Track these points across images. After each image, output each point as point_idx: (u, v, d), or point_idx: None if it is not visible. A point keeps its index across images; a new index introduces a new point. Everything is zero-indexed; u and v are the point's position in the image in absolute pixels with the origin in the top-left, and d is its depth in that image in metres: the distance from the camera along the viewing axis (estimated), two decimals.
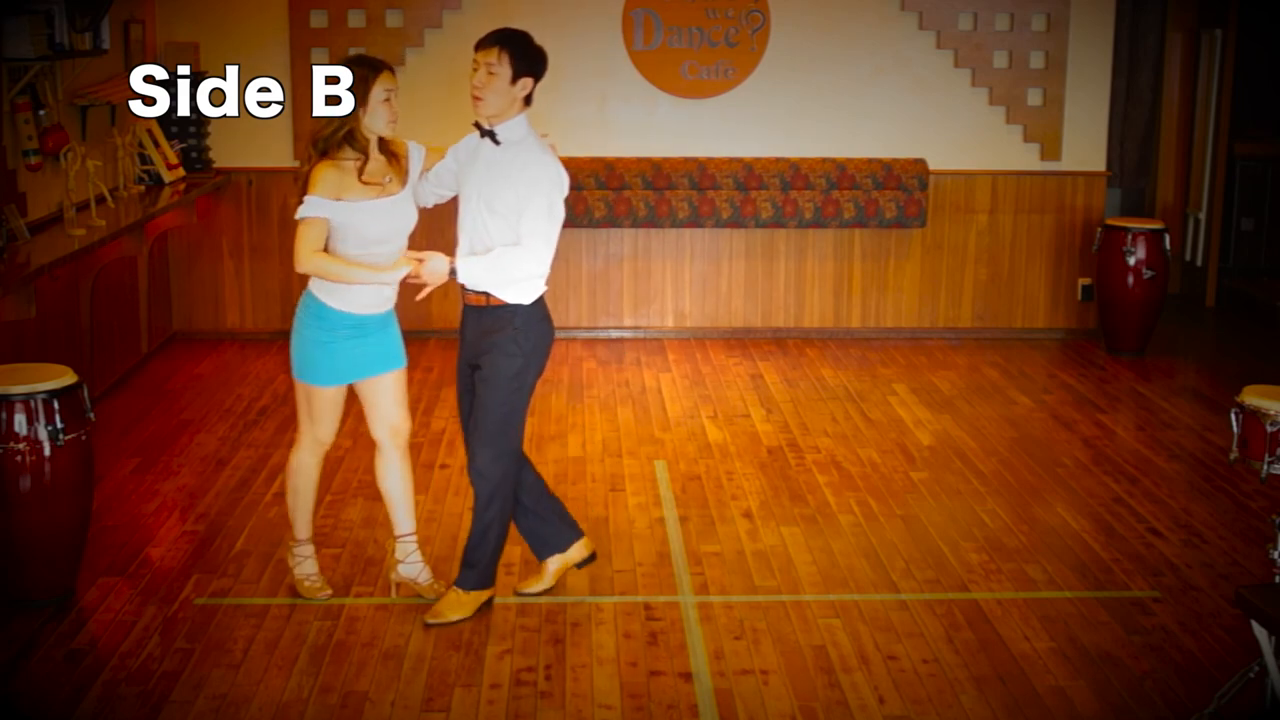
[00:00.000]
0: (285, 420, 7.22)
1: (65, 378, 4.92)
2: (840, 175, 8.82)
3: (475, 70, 4.77)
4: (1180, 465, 6.69)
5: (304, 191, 4.64)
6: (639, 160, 8.73)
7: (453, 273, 4.68)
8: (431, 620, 4.83)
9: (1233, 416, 4.64)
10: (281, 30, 8.73)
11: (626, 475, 6.40)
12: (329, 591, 5.07)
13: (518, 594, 5.05)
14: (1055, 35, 9.00)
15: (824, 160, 8.82)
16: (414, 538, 5.07)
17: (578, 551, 5.10)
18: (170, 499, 6.08)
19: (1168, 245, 8.78)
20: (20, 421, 4.79)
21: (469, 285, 4.72)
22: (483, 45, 4.81)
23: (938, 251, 9.19)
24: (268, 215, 8.91)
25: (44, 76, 6.84)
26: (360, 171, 4.65)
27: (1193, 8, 10.38)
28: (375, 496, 6.08)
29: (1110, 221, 8.95)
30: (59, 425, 4.82)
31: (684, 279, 9.10)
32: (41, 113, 6.78)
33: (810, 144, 8.99)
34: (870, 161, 8.90)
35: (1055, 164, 9.14)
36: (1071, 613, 4.99)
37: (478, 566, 4.87)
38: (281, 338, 8.94)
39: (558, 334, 9.01)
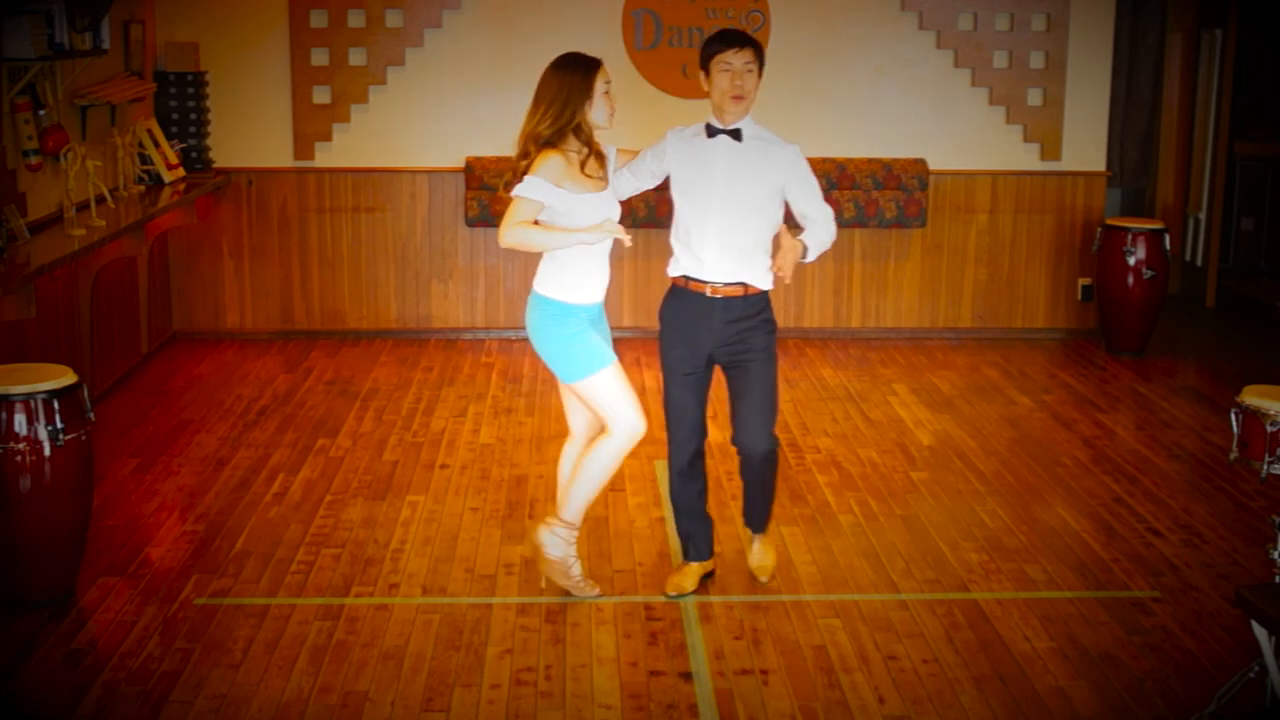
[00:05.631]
0: (285, 420, 7.22)
1: (65, 378, 4.92)
2: (840, 175, 8.82)
3: (726, 72, 4.80)
4: (1180, 465, 6.69)
5: (521, 176, 4.68)
6: None
7: (804, 252, 4.86)
8: (766, 577, 5.18)
9: (1233, 416, 4.64)
10: (281, 30, 8.73)
11: (626, 475, 6.40)
12: (597, 590, 5.05)
13: (667, 596, 5.08)
14: (1055, 35, 9.00)
15: (824, 160, 8.81)
16: (575, 532, 5.02)
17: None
18: (170, 499, 6.08)
19: (1168, 245, 8.78)
20: (20, 421, 4.79)
21: (810, 259, 4.86)
22: (737, 44, 4.83)
23: (938, 251, 9.19)
24: (268, 215, 8.91)
25: (44, 76, 6.84)
26: (583, 164, 4.72)
27: (1193, 8, 10.38)
28: (375, 496, 6.09)
29: (1110, 221, 8.95)
30: (59, 425, 4.82)
31: None
32: (41, 113, 6.78)
33: (810, 144, 8.88)
34: (870, 161, 8.90)
35: (1055, 164, 9.14)
36: (1071, 613, 4.99)
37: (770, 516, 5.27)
38: (281, 338, 8.98)
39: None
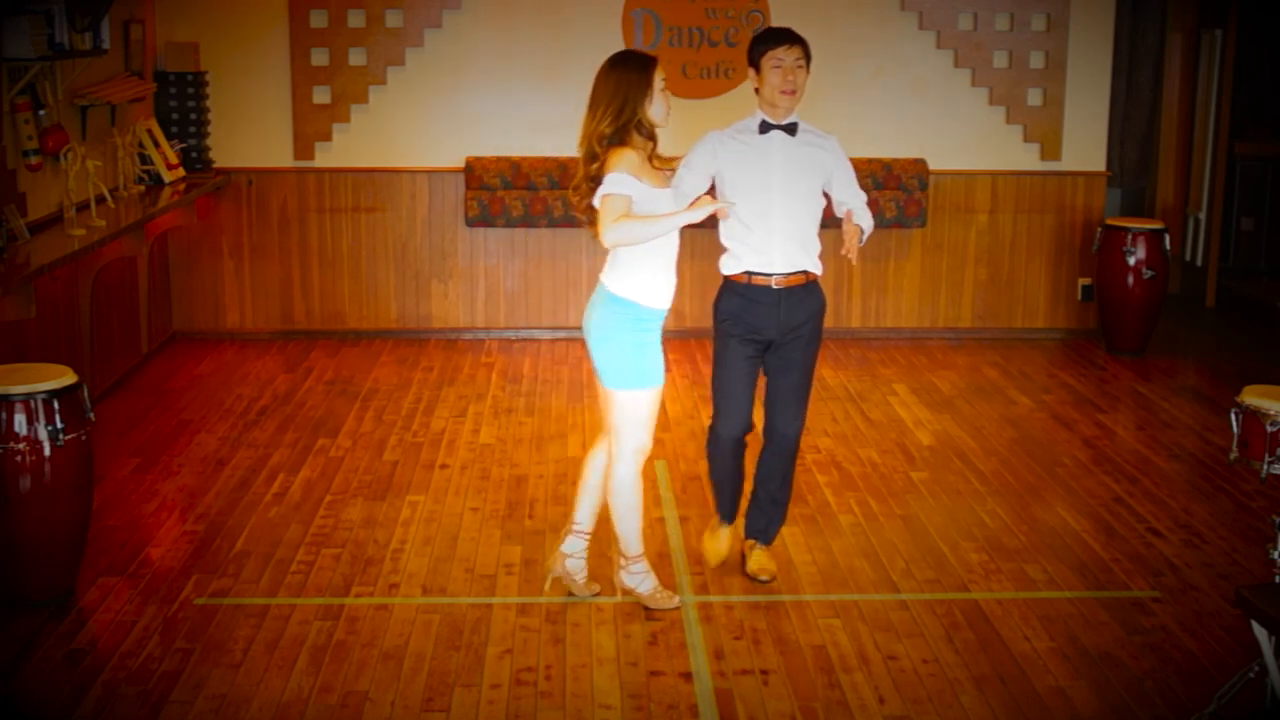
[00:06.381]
0: (285, 420, 7.22)
1: (65, 378, 4.92)
2: None
3: (778, 68, 4.96)
4: (1180, 465, 6.69)
5: (595, 180, 4.65)
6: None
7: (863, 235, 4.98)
8: (769, 577, 5.19)
9: (1233, 416, 4.64)
10: (281, 30, 8.73)
11: None
12: (679, 598, 5.02)
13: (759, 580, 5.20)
14: (1055, 35, 9.00)
15: None
16: (589, 537, 5.05)
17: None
18: (170, 499, 6.08)
19: (1168, 245, 8.78)
20: (20, 421, 4.79)
21: (863, 243, 4.97)
22: (788, 41, 5.04)
23: (938, 251, 9.19)
24: (268, 215, 8.90)
25: (44, 76, 6.84)
26: (650, 160, 4.75)
27: (1193, 8, 10.38)
28: (375, 496, 6.09)
29: (1110, 221, 8.95)
30: (59, 425, 4.82)
31: (684, 279, 8.95)
32: (41, 113, 6.78)
33: None
34: (870, 161, 8.90)
35: (1055, 164, 9.14)
36: (1071, 613, 4.99)
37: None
38: (281, 338, 8.98)
39: (558, 334, 9.11)
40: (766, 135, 5.00)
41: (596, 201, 4.64)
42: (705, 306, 9.29)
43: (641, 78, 4.71)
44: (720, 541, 5.33)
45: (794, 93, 4.97)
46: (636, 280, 4.72)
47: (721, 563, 5.31)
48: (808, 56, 5.03)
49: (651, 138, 4.74)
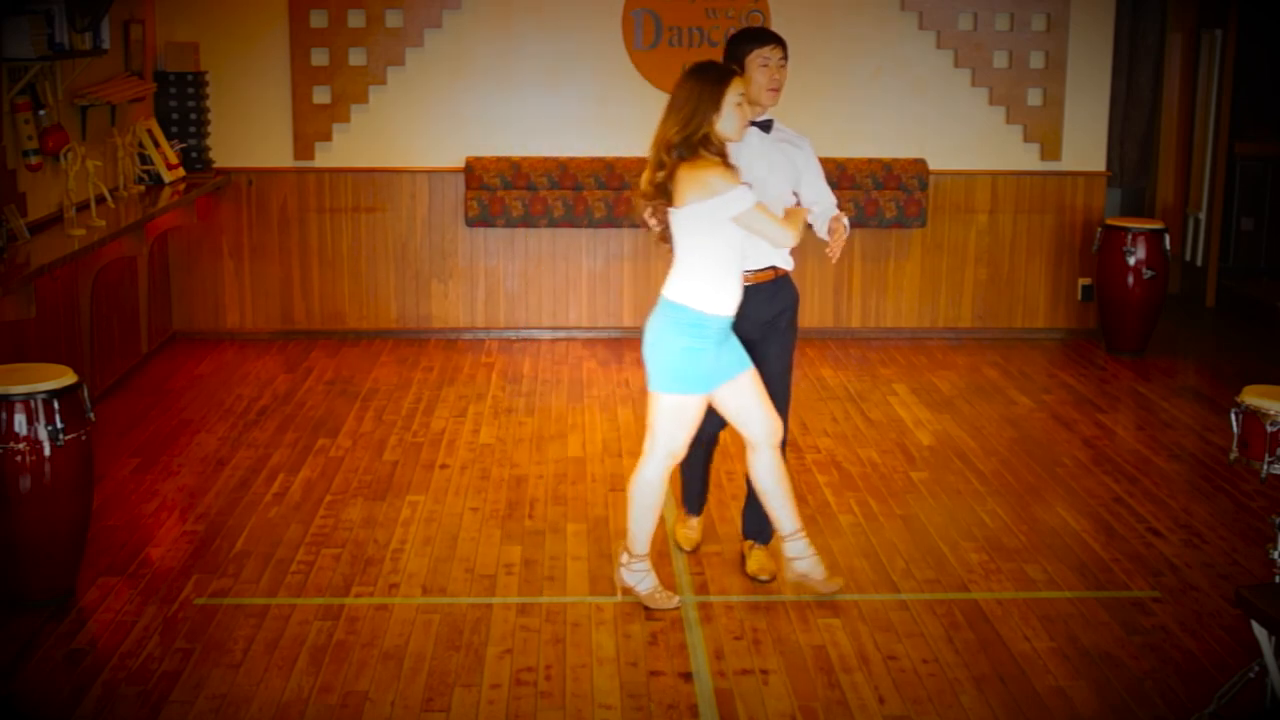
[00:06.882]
0: (285, 420, 7.22)
1: (65, 378, 4.92)
2: (840, 175, 8.81)
3: (765, 67, 4.98)
4: (1180, 465, 6.69)
5: (660, 187, 4.63)
6: (639, 160, 8.67)
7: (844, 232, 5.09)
8: (769, 577, 5.20)
9: (1233, 416, 4.64)
10: (281, 30, 8.73)
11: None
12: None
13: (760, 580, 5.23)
14: (1055, 35, 9.00)
15: (824, 160, 8.71)
16: (802, 533, 5.04)
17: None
18: (170, 499, 6.08)
19: (1168, 245, 8.78)
20: (20, 421, 4.79)
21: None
22: (771, 42, 5.04)
23: (938, 251, 9.19)
24: (268, 215, 8.90)
25: (44, 76, 6.84)
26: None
27: (1193, 8, 10.37)
28: (375, 496, 6.09)
29: (1110, 221, 8.95)
30: (59, 425, 4.82)
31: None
32: (41, 113, 6.78)
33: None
34: (870, 161, 8.90)
35: (1055, 164, 9.14)
36: (1071, 613, 4.99)
37: None
38: (281, 338, 8.98)
39: (558, 334, 9.11)
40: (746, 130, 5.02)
41: (725, 216, 4.61)
42: None
43: (715, 90, 4.63)
44: (691, 529, 5.55)
45: (779, 90, 5.03)
46: (696, 286, 4.70)
47: (694, 547, 5.51)
48: (787, 56, 5.09)
49: (720, 153, 4.66)
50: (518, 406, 7.54)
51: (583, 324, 9.15)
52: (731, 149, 4.92)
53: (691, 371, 4.76)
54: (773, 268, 5.07)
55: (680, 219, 4.69)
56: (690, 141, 4.63)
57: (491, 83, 8.85)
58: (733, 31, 5.29)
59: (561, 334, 9.11)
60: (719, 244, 4.68)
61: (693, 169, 4.61)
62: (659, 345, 4.78)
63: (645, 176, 4.75)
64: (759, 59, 4.99)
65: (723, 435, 5.43)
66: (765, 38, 5.04)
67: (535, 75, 8.88)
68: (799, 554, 5.04)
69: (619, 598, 5.05)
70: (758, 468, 4.98)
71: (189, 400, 7.62)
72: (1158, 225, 8.81)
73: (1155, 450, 6.90)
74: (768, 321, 5.10)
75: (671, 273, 4.79)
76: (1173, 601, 5.10)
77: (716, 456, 6.41)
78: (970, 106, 9.06)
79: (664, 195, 4.68)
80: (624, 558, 5.01)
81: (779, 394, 5.13)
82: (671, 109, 4.69)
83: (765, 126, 5.06)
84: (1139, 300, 8.73)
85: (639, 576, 4.99)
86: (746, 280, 4.98)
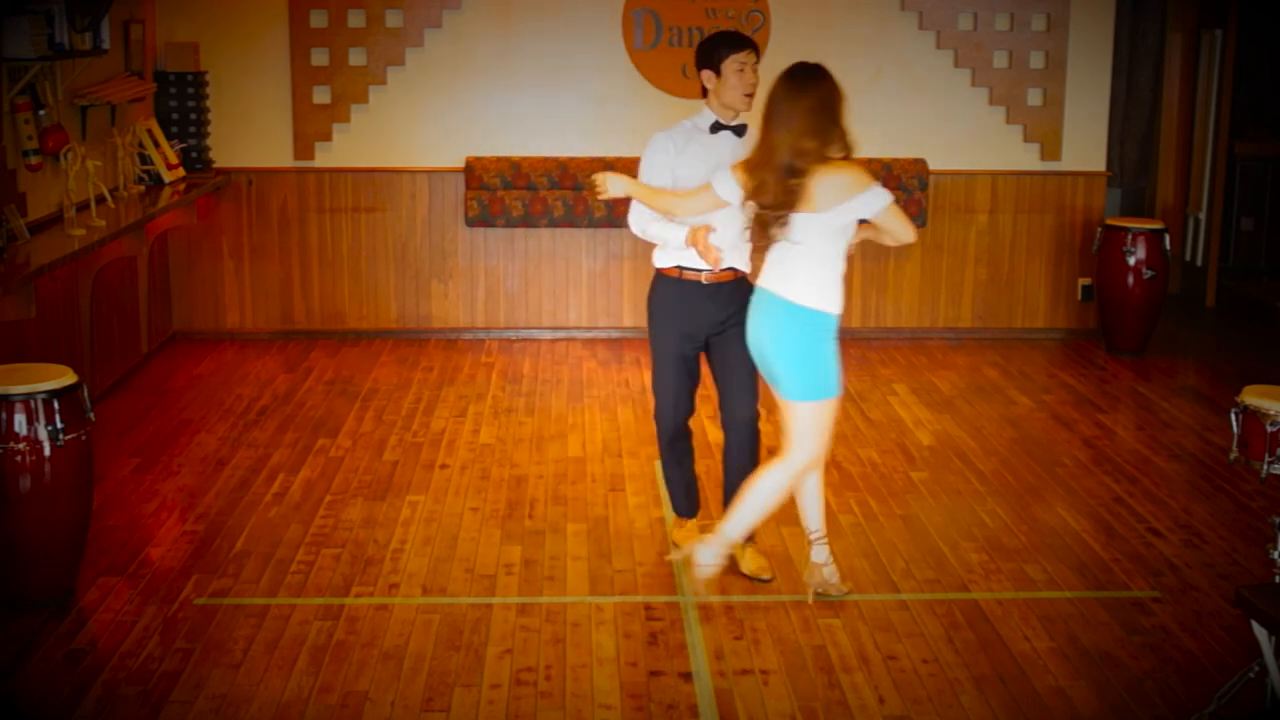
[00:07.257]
0: (285, 420, 7.22)
1: (65, 378, 4.91)
2: None
3: (741, 71, 5.01)
4: (1180, 465, 6.69)
5: (793, 203, 4.65)
6: (640, 160, 8.72)
7: None
8: (769, 576, 5.22)
9: (1233, 416, 4.64)
10: (281, 30, 8.73)
11: (626, 475, 6.40)
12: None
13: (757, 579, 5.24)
14: (1055, 35, 9.00)
15: None
16: (735, 547, 5.03)
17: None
18: (170, 499, 6.08)
19: (1168, 245, 8.77)
20: (20, 421, 4.79)
21: None
22: (746, 46, 5.08)
23: (938, 251, 9.19)
24: (268, 215, 8.90)
25: (44, 76, 6.84)
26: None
27: (1193, 8, 10.37)
28: (375, 496, 6.09)
29: (1110, 221, 8.95)
30: (59, 425, 4.82)
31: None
32: (41, 113, 6.78)
33: None
34: (870, 162, 8.89)
35: (1055, 164, 9.14)
36: (1071, 613, 4.99)
37: None
38: (281, 338, 8.98)
39: (558, 334, 9.11)
40: (717, 135, 5.08)
41: (869, 213, 4.73)
42: None
43: (836, 95, 4.74)
44: (688, 532, 5.48)
45: (754, 95, 5.03)
46: (821, 288, 4.68)
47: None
48: (759, 59, 5.12)
49: (850, 147, 4.77)
50: (518, 406, 7.54)
51: (583, 324, 9.15)
52: (704, 152, 5.03)
53: (832, 376, 4.74)
54: (732, 269, 5.11)
55: (814, 223, 4.65)
56: (821, 150, 4.66)
57: (491, 83, 8.85)
58: (709, 33, 5.30)
59: (561, 334, 9.12)
60: (842, 244, 4.75)
61: (834, 171, 4.66)
62: (798, 351, 4.69)
63: (773, 186, 4.63)
64: (735, 64, 5.00)
65: (708, 438, 5.42)
66: (741, 42, 5.04)
67: (535, 75, 8.88)
68: (826, 560, 5.05)
69: (618, 597, 5.05)
70: (772, 467, 4.90)
71: (189, 400, 7.62)
72: (1158, 225, 8.81)
73: (1155, 450, 6.90)
74: (725, 319, 5.11)
75: (791, 277, 4.68)
76: (1173, 601, 5.10)
77: (716, 455, 6.43)
78: (970, 106, 9.06)
79: (789, 205, 4.64)
80: (714, 538, 4.83)
81: (743, 386, 5.12)
82: (795, 115, 4.62)
83: (739, 131, 5.08)
84: (1139, 300, 8.73)
85: (710, 553, 4.80)
86: (707, 279, 5.07)
